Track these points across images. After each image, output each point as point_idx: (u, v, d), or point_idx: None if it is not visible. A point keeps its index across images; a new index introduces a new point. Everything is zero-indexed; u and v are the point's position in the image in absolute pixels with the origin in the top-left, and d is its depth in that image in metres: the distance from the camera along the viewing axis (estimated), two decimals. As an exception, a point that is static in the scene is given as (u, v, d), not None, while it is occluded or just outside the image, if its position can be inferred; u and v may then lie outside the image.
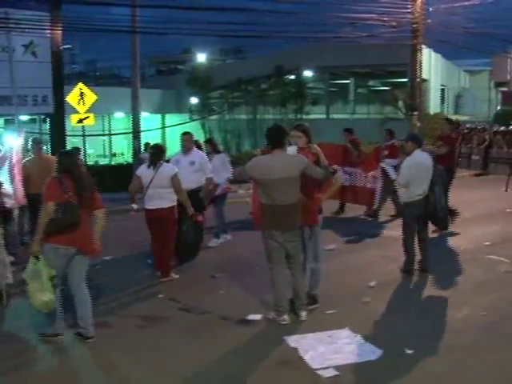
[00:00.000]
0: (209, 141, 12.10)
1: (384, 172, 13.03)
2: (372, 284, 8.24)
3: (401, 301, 7.77)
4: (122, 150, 37.17)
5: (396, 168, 13.03)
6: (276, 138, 6.66)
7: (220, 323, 6.89)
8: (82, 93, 17.64)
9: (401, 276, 8.73)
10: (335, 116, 39.18)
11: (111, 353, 6.15)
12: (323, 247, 9.72)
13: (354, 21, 24.40)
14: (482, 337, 6.33)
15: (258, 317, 6.95)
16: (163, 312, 7.37)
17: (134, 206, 8.85)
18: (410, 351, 5.88)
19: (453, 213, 11.15)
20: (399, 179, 8.74)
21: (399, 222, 9.36)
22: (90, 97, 17.70)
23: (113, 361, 5.98)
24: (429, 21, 25.45)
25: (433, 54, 38.27)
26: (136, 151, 19.64)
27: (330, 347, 6.01)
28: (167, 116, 41.90)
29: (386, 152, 13.20)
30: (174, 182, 8.58)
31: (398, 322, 6.87)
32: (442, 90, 42.50)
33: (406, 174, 8.56)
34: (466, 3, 26.48)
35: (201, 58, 45.72)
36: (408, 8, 24.75)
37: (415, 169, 8.48)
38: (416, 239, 8.86)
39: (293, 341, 6.19)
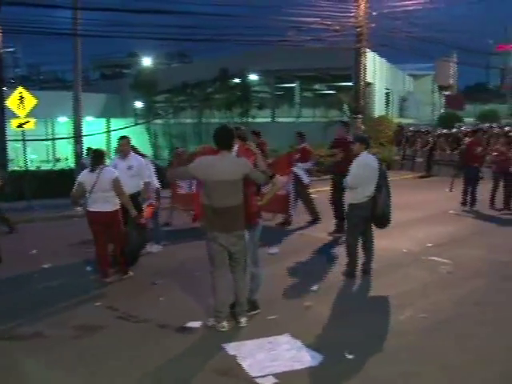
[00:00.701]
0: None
1: (296, 177, 12.80)
2: (314, 288, 8.13)
3: (343, 304, 7.67)
4: (66, 155, 36.49)
5: (308, 171, 13.04)
6: (223, 140, 6.50)
7: (158, 331, 6.66)
8: (21, 97, 17.12)
9: (343, 279, 8.65)
10: (281, 119, 39.27)
11: (43, 363, 5.87)
12: (266, 251, 9.69)
13: (298, 25, 24.45)
14: (425, 339, 6.26)
15: (197, 324, 6.75)
16: (100, 321, 7.08)
17: (79, 208, 8.76)
18: (350, 356, 5.77)
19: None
20: (349, 180, 8.60)
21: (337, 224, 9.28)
22: (30, 101, 17.19)
23: (45, 372, 5.71)
24: (372, 25, 25.69)
25: (377, 58, 38.68)
26: (78, 156, 19.22)
27: (270, 354, 5.85)
28: (112, 120, 41.33)
29: (297, 156, 12.90)
30: (115, 185, 8.57)
31: (340, 326, 6.77)
32: (387, 93, 43.04)
33: (356, 174, 8.47)
34: (409, 8, 26.80)
35: (146, 61, 45.33)
36: (352, 12, 24.97)
37: (364, 170, 8.43)
38: (360, 241, 8.82)
39: (232, 348, 6.01)
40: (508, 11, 45.30)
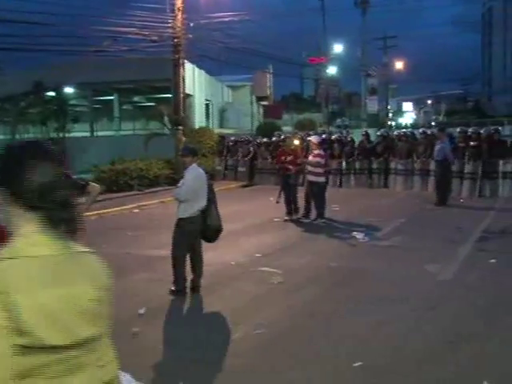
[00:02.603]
0: None
1: None
2: (141, 311, 7.53)
3: (173, 328, 7.15)
4: None
5: None
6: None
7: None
8: None
9: (172, 298, 8.15)
10: (100, 133, 38.08)
11: None
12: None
13: (114, 34, 23.73)
14: (263, 357, 5.93)
15: None
16: None
17: None
18: (184, 385, 5.30)
19: None
20: (182, 193, 8.21)
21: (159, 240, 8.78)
22: None
23: None
24: (190, 36, 25.57)
25: (196, 69, 38.70)
26: None
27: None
28: None
29: None
30: None
31: (170, 352, 6.26)
32: (207, 104, 43.17)
33: (190, 187, 8.14)
34: (225, 19, 27.02)
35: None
36: (169, 23, 24.65)
37: (195, 182, 8.18)
38: (188, 256, 8.43)
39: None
40: (319, 25, 47.73)
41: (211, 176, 25.00)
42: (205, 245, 8.76)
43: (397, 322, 6.88)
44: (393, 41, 61.41)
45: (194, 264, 8.49)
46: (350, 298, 7.95)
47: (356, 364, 5.64)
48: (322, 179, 14.34)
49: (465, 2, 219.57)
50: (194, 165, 8.33)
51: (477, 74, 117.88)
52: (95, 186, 6.98)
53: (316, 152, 14.40)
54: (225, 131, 35.84)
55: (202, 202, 8.16)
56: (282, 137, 21.70)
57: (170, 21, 24.58)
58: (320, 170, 14.22)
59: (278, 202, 14.91)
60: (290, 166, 14.45)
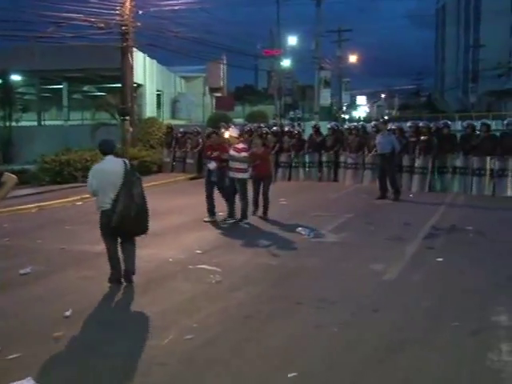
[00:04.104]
0: None
1: None
2: (67, 313, 7.00)
3: (96, 332, 6.61)
4: None
5: None
6: None
7: None
8: None
9: (101, 299, 7.68)
10: (48, 123, 37.12)
11: None
12: (18, 271, 8.55)
13: (58, 20, 22.96)
14: (189, 367, 5.52)
15: None
16: None
17: None
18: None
19: None
20: (88, 188, 8.23)
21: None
22: None
23: None
24: (139, 24, 24.94)
25: (148, 59, 38.07)
26: None
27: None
28: None
29: None
30: None
31: (95, 360, 5.76)
32: (159, 95, 42.53)
33: (90, 182, 8.19)
34: (175, 8, 26.45)
35: None
36: (117, 10, 23.98)
37: (100, 176, 8.07)
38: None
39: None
40: (273, 16, 47.38)
41: (159, 168, 24.61)
42: (144, 240, 8.62)
43: (336, 327, 6.51)
44: (348, 34, 61.53)
45: (125, 256, 8.33)
46: (288, 299, 7.55)
47: (291, 375, 5.28)
48: (246, 175, 13.41)
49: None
50: (108, 157, 8.29)
51: (430, 70, 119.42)
52: (10, 177, 6.65)
53: (240, 146, 13.40)
54: (176, 122, 35.28)
55: (111, 195, 7.94)
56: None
57: (117, 7, 23.90)
58: (245, 166, 13.23)
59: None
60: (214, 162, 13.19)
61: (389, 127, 18.41)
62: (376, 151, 17.72)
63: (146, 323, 6.84)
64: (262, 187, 13.65)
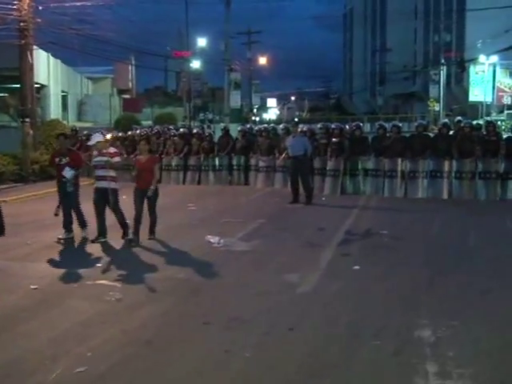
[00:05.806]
0: None
1: None
2: None
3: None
4: None
5: None
6: None
7: None
8: None
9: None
10: None
11: None
12: None
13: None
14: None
15: None
16: None
17: None
18: None
19: None
20: None
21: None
22: None
23: None
24: (39, 20, 23.69)
25: (52, 58, 36.69)
26: None
27: None
28: None
29: None
30: None
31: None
32: (64, 96, 41.04)
33: None
34: (77, 4, 25.30)
35: None
36: (14, 4, 22.64)
37: None
38: None
39: None
40: (182, 15, 46.56)
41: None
42: (39, 253, 8.65)
43: (249, 351, 5.85)
44: (257, 36, 61.49)
45: None
46: (195, 318, 6.83)
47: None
48: (117, 185, 11.48)
49: (328, 3, 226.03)
50: None
51: (339, 72, 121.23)
52: None
53: (112, 151, 11.51)
54: (82, 124, 34.03)
55: None
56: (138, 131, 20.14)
57: (15, 2, 22.54)
58: (115, 174, 11.41)
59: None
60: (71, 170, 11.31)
61: (299, 129, 17.97)
62: (287, 154, 17.20)
63: (32, 354, 5.88)
64: (147, 203, 11.37)
